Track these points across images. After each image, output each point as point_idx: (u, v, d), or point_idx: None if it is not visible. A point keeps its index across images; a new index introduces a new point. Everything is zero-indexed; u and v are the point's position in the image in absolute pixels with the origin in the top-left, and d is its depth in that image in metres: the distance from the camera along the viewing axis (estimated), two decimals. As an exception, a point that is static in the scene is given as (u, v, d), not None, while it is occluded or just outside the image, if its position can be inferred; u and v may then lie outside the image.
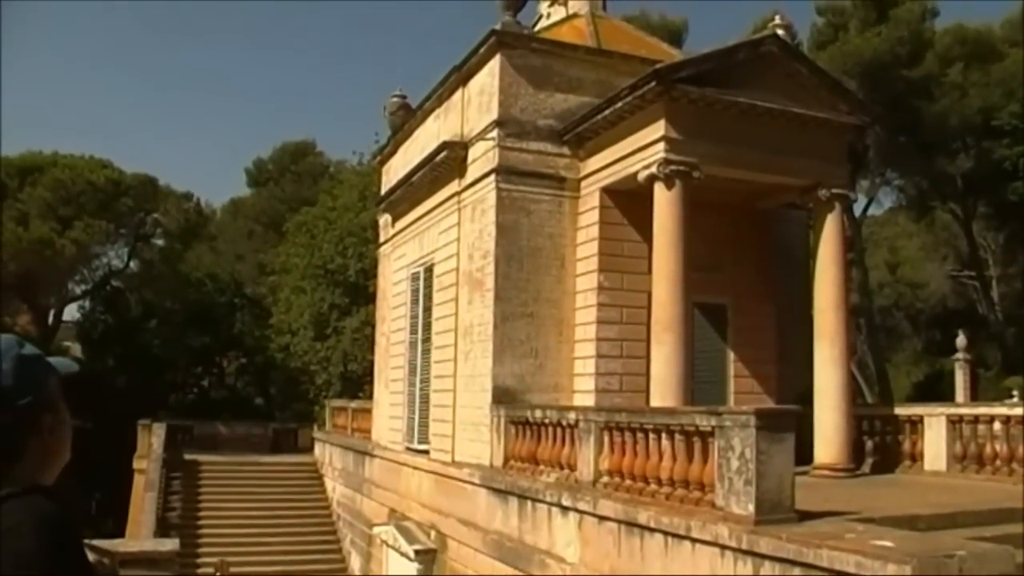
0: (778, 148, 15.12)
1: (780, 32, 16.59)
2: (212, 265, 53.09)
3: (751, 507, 8.83)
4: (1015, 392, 33.06)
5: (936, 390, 40.84)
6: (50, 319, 47.37)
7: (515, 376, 15.82)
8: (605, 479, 11.91)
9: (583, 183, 16.47)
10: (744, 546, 8.62)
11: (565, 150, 16.54)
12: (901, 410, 16.88)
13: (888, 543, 7.45)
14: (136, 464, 31.42)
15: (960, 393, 32.48)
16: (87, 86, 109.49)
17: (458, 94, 18.24)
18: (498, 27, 16.57)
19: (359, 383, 33.02)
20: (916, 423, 15.81)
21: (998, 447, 14.35)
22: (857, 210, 39.17)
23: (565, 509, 12.22)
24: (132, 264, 50.22)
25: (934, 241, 48.31)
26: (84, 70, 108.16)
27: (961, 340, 33.28)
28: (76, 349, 50.54)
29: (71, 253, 43.06)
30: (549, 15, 20.26)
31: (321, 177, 50.42)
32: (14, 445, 1.92)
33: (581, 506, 11.77)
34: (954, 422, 15.13)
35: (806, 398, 15.42)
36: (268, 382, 49.26)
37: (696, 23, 74.94)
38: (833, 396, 15.38)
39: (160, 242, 52.17)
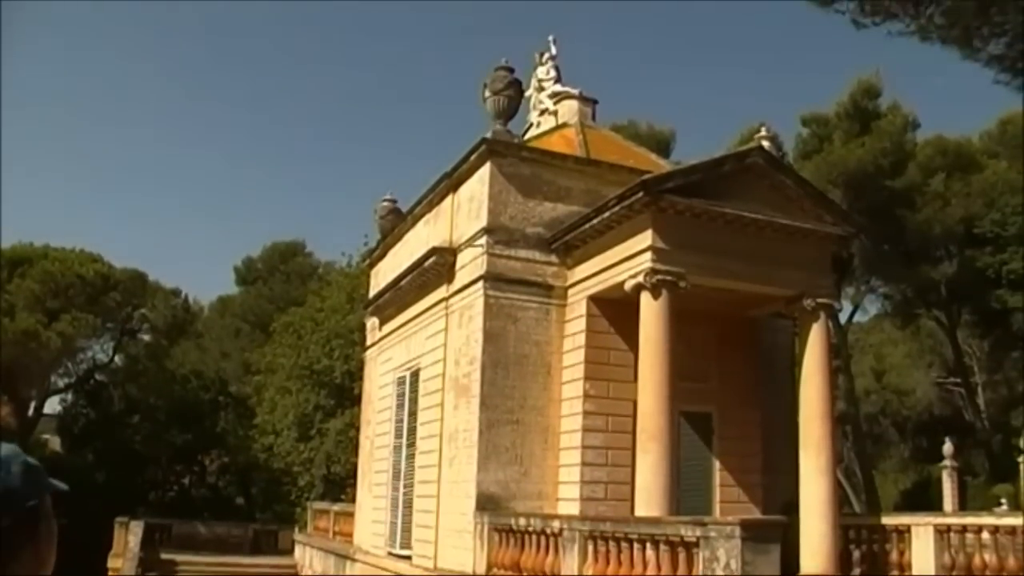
0: (764, 258, 15.28)
1: (765, 144, 16.94)
2: (198, 362, 52.90)
3: (736, 621, 8.72)
4: (1003, 500, 32.90)
5: (924, 498, 40.60)
6: (30, 411, 46.90)
7: (499, 483, 15.69)
8: (589, 590, 11.75)
9: (570, 291, 16.59)
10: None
11: (553, 258, 16.71)
12: (888, 519, 16.77)
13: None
14: (111, 563, 30.81)
15: (948, 501, 32.33)
16: (83, 177, 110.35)
17: (448, 200, 18.47)
18: (489, 135, 16.88)
19: (342, 486, 32.65)
20: (903, 532, 15.68)
21: (987, 557, 14.22)
22: (843, 317, 39.39)
23: (548, 620, 12.02)
24: (117, 359, 50.06)
25: (919, 348, 48.56)
26: (80, 162, 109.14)
27: (948, 447, 33.26)
28: (55, 442, 50.04)
29: (56, 346, 42.86)
30: (539, 124, 20.63)
31: (309, 278, 50.59)
32: (12, 547, 1.92)
33: (564, 617, 11.58)
34: (942, 532, 15.02)
35: (792, 507, 15.31)
36: (250, 482, 48.66)
37: (684, 133, 76.42)
38: (820, 505, 15.26)
39: (146, 337, 52.06)
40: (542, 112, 20.75)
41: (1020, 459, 32.81)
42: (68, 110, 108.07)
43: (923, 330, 46.73)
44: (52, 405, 49.46)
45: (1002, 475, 37.61)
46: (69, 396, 49.17)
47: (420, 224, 20.37)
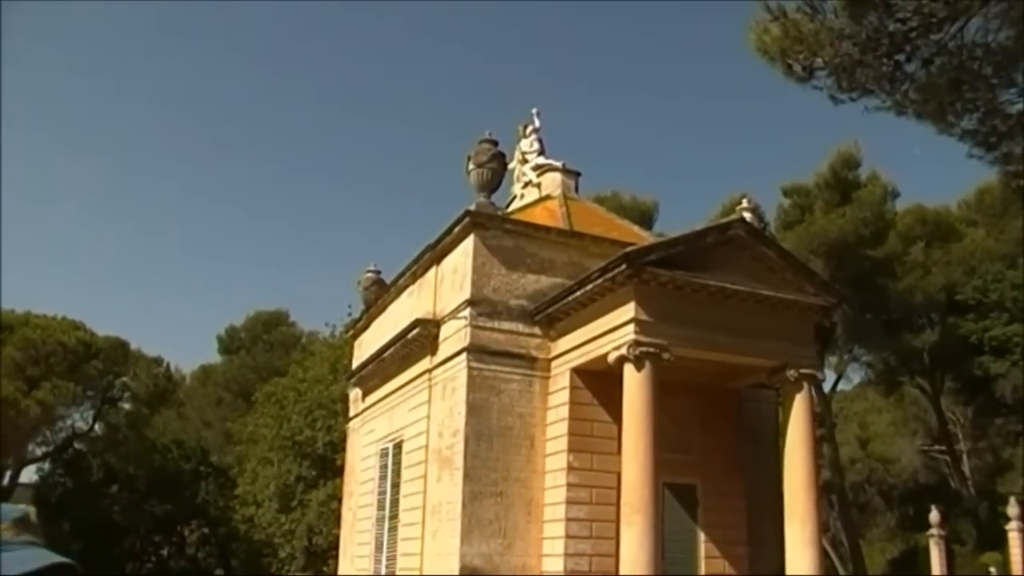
0: (747, 330, 15.36)
1: (747, 215, 17.10)
2: (179, 431, 52.44)
3: None
4: (993, 568, 32.76)
5: (911, 567, 40.42)
6: (5, 480, 46.24)
7: (483, 556, 15.57)
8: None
9: (554, 363, 16.61)
10: None
11: (536, 330, 16.76)
12: (876, 591, 16.65)
13: None
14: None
15: (936, 570, 32.17)
16: (64, 243, 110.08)
17: (432, 272, 18.54)
18: (472, 208, 17.00)
19: (324, 558, 32.19)
20: (893, 604, 15.57)
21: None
22: (827, 386, 39.49)
23: None
24: (97, 427, 49.50)
25: (903, 416, 48.60)
26: (62, 228, 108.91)
27: (935, 515, 33.16)
28: (31, 512, 49.19)
29: (35, 414, 42.42)
30: (522, 196, 20.80)
31: (293, 347, 50.34)
32: None
33: None
34: (931, 603, 14.92)
35: (779, 579, 15.24)
36: (230, 553, 47.89)
37: (666, 204, 77.01)
38: (807, 577, 15.17)
39: (127, 406, 51.61)
40: (526, 184, 20.94)
41: (1008, 527, 32.66)
42: (48, 177, 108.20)
43: (907, 398, 46.88)
44: (28, 474, 48.88)
45: (990, 543, 37.42)
46: (47, 465, 48.53)
47: (404, 295, 20.41)
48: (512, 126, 21.55)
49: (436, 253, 18.28)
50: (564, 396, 16.13)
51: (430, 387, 17.74)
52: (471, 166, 17.71)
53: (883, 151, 75.87)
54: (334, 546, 27.08)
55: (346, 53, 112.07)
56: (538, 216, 18.59)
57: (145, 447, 48.32)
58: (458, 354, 16.53)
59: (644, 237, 19.20)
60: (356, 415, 23.87)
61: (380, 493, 20.30)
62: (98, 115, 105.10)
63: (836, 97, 12.12)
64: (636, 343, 14.45)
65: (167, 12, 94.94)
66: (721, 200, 35.37)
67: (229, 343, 58.72)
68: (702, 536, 16.85)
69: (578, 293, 15.63)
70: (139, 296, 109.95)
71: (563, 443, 15.87)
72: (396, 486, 19.21)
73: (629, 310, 14.70)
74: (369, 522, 20.79)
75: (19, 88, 79.50)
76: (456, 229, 17.26)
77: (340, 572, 23.88)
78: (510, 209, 19.81)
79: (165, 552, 49.84)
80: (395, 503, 19.11)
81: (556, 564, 15.54)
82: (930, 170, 79.27)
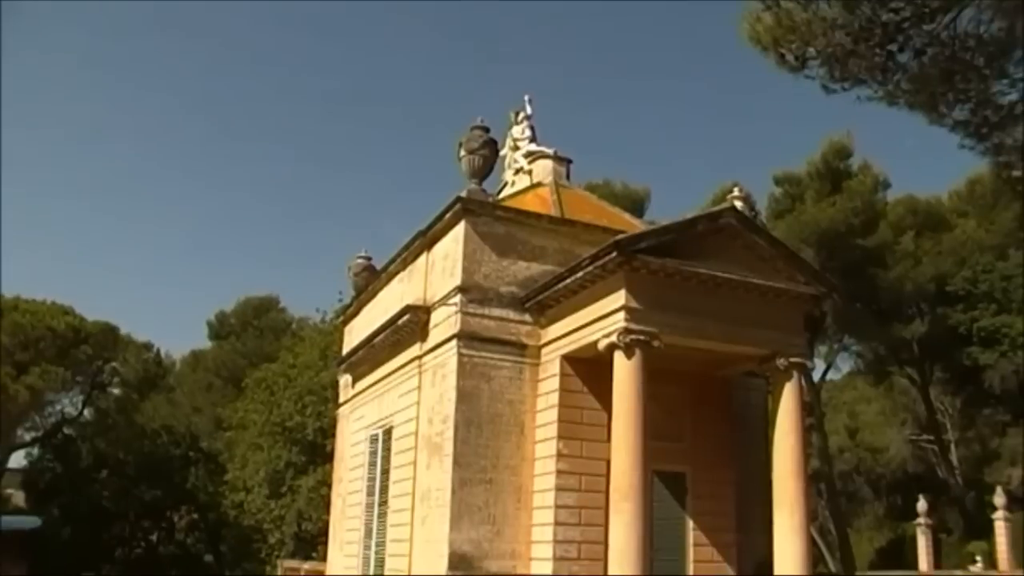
0: (737, 318, 15.34)
1: (738, 204, 17.04)
2: (168, 417, 52.43)
3: None
4: (978, 558, 32.98)
5: (898, 556, 40.71)
6: (-6, 465, 46.27)
7: (472, 542, 15.56)
8: (562, 653, 11.62)
9: (544, 350, 16.58)
10: None
11: (527, 317, 16.72)
12: (863, 579, 16.73)
13: None
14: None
15: (923, 559, 32.44)
16: (54, 229, 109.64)
17: (422, 258, 18.50)
18: (463, 194, 16.96)
19: (313, 544, 32.25)
20: (879, 593, 15.64)
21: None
22: (816, 375, 39.67)
23: None
24: (86, 412, 49.55)
25: (892, 406, 48.82)
26: (51, 213, 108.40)
27: (922, 505, 33.41)
28: (19, 497, 49.30)
29: (24, 399, 42.42)
30: (514, 183, 20.76)
31: (283, 333, 50.33)
32: None
33: None
34: (917, 592, 14.98)
35: (766, 566, 15.30)
36: (220, 539, 47.99)
37: (658, 191, 77.05)
38: (794, 564, 15.18)
39: (117, 391, 51.64)
40: (517, 171, 20.88)
41: (994, 516, 32.91)
42: (39, 160, 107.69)
43: (896, 387, 47.11)
44: (17, 459, 48.89)
45: (976, 532, 37.69)
46: (35, 450, 48.62)
47: (394, 282, 20.36)
48: (504, 113, 21.51)
49: (427, 239, 18.23)
50: (554, 383, 16.10)
51: (420, 373, 17.70)
52: (462, 152, 17.65)
53: (875, 141, 76.16)
54: (324, 532, 27.11)
55: (337, 42, 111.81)
56: (529, 203, 18.55)
57: (134, 432, 48.36)
58: (448, 340, 16.48)
59: (635, 225, 19.18)
60: (346, 401, 23.85)
61: (370, 479, 20.29)
62: (90, 103, 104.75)
63: (828, 87, 12.15)
64: (626, 330, 14.43)
65: (163, 8, 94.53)
66: (712, 188, 35.41)
67: (219, 329, 58.60)
68: (691, 523, 16.87)
69: (568, 280, 15.60)
70: (129, 281, 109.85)
71: (553, 430, 15.85)
72: (386, 472, 19.19)
73: (619, 297, 14.68)
74: (359, 508, 20.78)
75: (14, 80, 79.11)
76: (447, 215, 17.20)
77: (329, 558, 23.90)
78: (501, 196, 19.75)
79: (154, 537, 50.00)
80: (384, 489, 19.10)
81: (545, 551, 15.54)
82: (921, 160, 79.56)
